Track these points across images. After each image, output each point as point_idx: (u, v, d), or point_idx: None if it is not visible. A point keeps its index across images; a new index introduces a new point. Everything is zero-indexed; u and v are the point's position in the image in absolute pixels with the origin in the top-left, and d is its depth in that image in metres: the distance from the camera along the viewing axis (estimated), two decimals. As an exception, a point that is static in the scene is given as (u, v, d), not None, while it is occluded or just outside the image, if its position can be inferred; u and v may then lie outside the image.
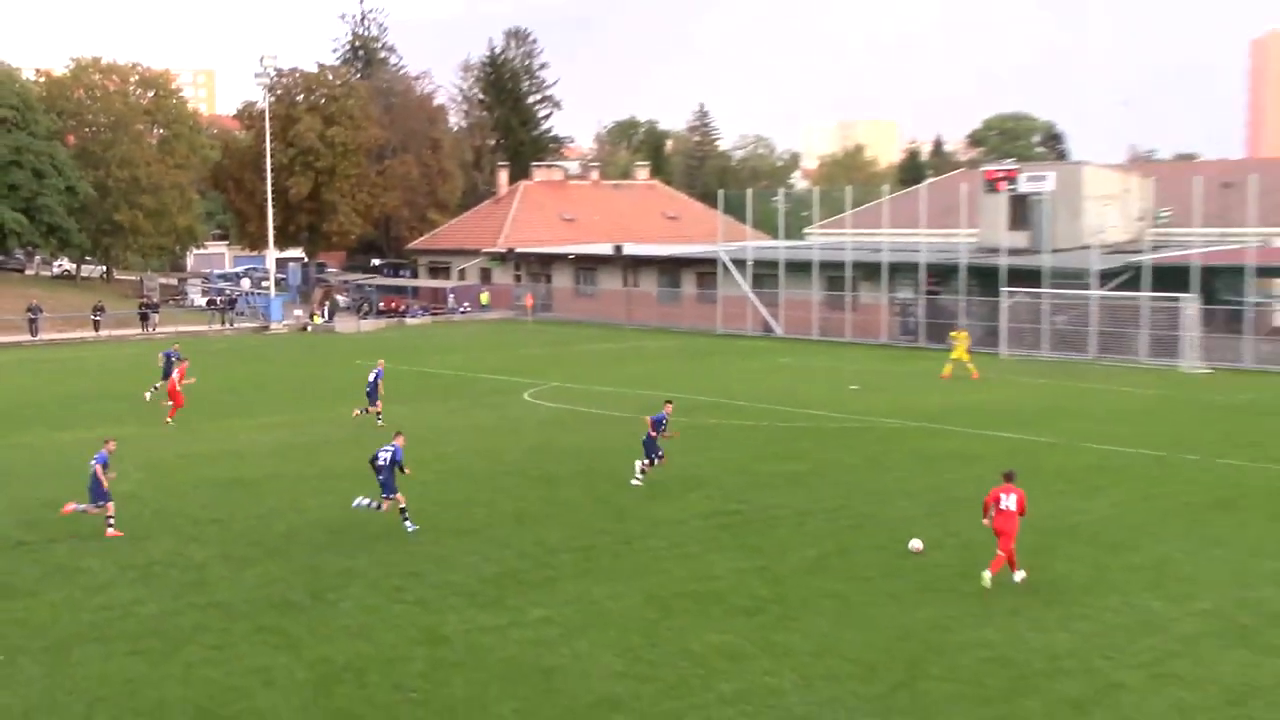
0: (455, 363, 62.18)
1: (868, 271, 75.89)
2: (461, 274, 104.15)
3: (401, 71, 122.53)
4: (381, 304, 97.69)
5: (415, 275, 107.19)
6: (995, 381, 55.06)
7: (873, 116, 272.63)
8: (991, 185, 76.92)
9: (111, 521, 28.50)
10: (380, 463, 28.48)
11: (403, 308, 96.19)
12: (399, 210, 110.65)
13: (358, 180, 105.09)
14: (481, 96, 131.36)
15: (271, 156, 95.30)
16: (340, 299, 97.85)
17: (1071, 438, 40.12)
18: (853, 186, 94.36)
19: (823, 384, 54.20)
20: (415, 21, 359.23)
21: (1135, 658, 20.37)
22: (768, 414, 45.44)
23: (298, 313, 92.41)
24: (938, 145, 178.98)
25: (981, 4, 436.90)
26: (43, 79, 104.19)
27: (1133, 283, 64.40)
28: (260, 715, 18.29)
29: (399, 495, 28.53)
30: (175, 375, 45.81)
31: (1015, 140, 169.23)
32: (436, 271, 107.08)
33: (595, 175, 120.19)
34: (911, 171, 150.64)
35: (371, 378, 44.14)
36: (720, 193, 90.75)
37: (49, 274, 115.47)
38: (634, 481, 33.01)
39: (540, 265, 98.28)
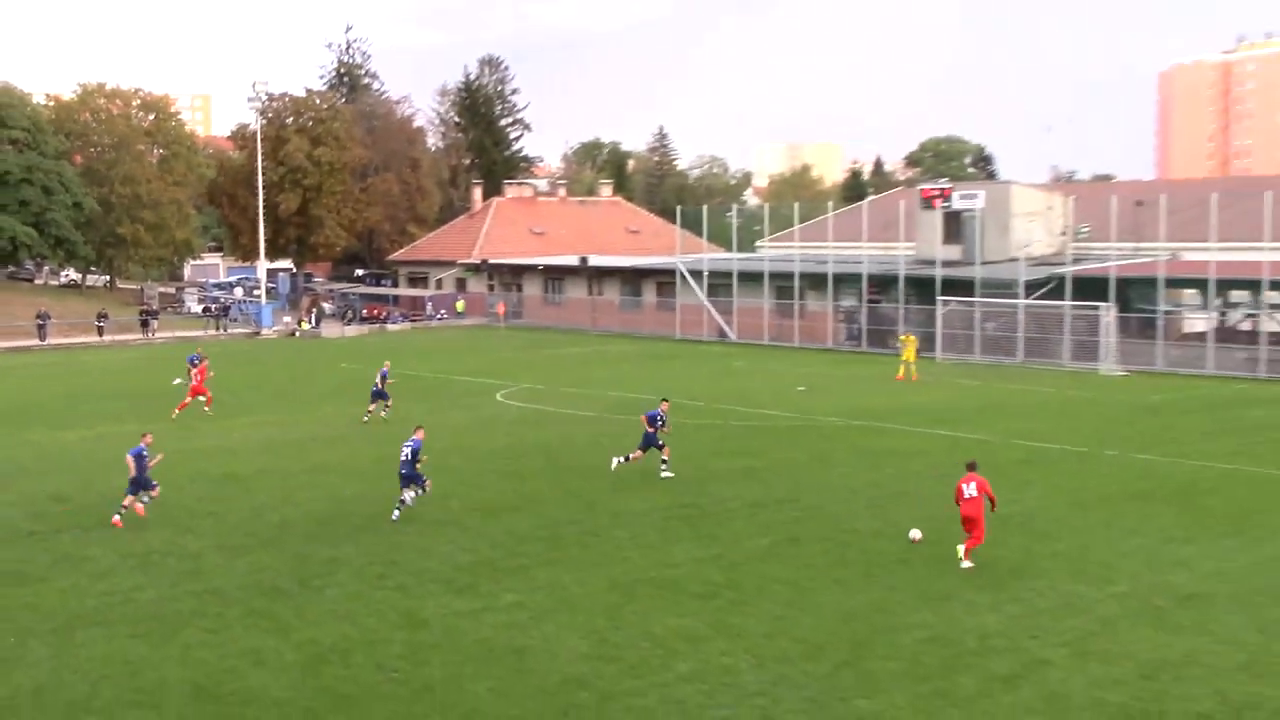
0: (433, 366, 61.94)
1: (814, 281, 75.97)
2: (439, 283, 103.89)
3: (383, 96, 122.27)
4: (364, 311, 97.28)
5: (396, 284, 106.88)
6: (932, 383, 55.21)
7: (818, 139, 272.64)
8: (927, 203, 77.11)
9: (123, 512, 28.33)
10: (403, 456, 28.73)
11: (384, 315, 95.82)
12: (381, 224, 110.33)
13: (343, 196, 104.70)
14: (457, 119, 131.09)
15: (263, 174, 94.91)
16: (326, 306, 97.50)
17: (1002, 435, 40.26)
18: (800, 203, 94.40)
19: (773, 385, 54.20)
20: (396, 50, 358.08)
21: (1060, 637, 20.44)
22: (722, 413, 45.44)
23: (287, 319, 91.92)
24: (878, 166, 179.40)
25: (915, 37, 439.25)
26: (52, 103, 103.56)
27: (1056, 292, 64.69)
28: (252, 693, 18.17)
29: (427, 484, 28.89)
30: (195, 375, 46.25)
31: (949, 161, 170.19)
32: (415, 281, 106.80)
33: (563, 192, 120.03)
34: (854, 190, 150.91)
35: (378, 378, 44.18)
36: (678, 209, 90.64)
37: (56, 283, 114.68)
38: (665, 473, 32.94)
39: (512, 275, 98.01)
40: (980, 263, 69.12)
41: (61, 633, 20.78)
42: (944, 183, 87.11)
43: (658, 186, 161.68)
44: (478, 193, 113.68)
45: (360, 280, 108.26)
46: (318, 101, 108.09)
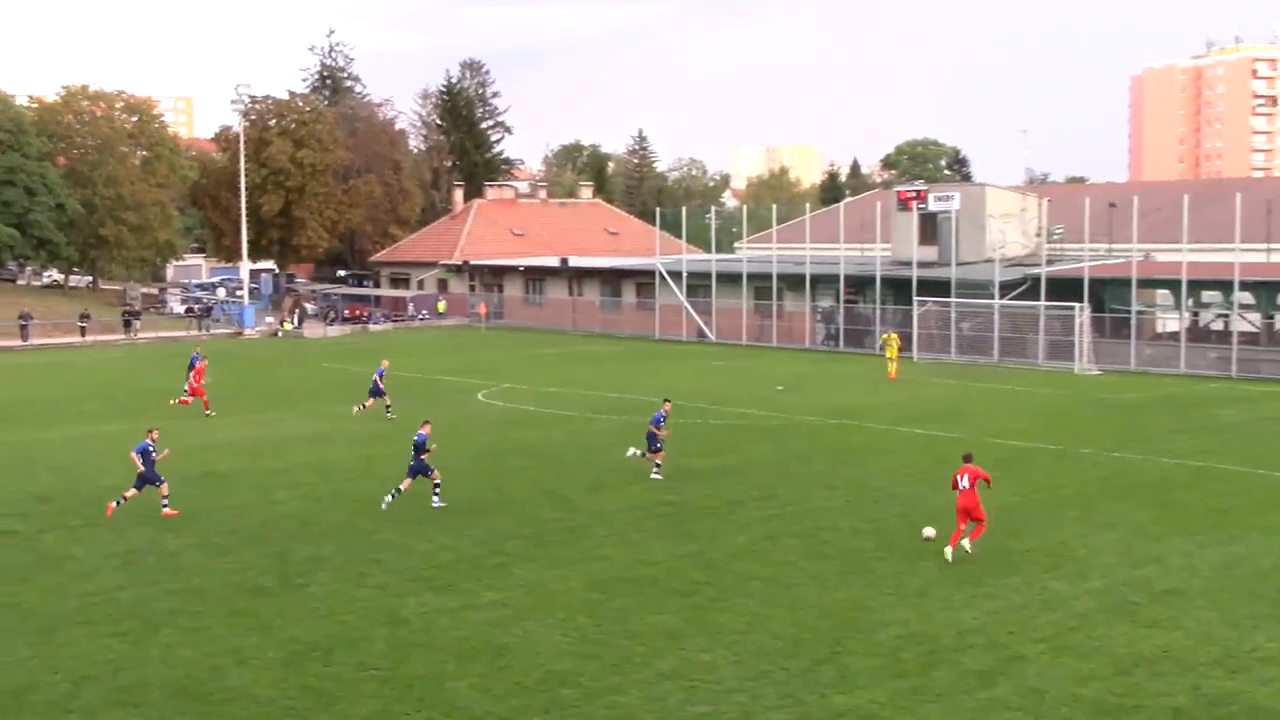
0: (415, 366, 61.73)
1: (792, 282, 76.03)
2: (420, 284, 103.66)
3: (366, 99, 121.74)
4: (347, 312, 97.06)
5: (378, 285, 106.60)
6: (908, 382, 55.27)
7: (796, 142, 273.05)
8: (904, 204, 77.28)
9: (165, 501, 28.50)
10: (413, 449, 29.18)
11: (366, 315, 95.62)
12: (363, 226, 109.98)
13: (325, 198, 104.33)
14: (439, 122, 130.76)
15: (245, 176, 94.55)
16: (309, 307, 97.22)
17: (978, 434, 40.27)
18: (778, 205, 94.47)
19: (752, 385, 54.19)
20: (378, 53, 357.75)
21: (1036, 633, 20.43)
22: (702, 412, 45.38)
23: (269, 320, 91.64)
24: (855, 168, 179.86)
25: (891, 40, 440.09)
26: (35, 105, 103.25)
27: (1030, 293, 64.88)
28: (234, 692, 18.03)
29: (434, 474, 29.22)
30: (193, 374, 46.16)
31: (924, 163, 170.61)
32: (397, 282, 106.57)
33: (543, 194, 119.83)
34: (831, 191, 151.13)
35: (375, 375, 44.28)
36: (657, 210, 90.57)
37: (39, 284, 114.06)
38: (655, 475, 32.78)
39: (493, 276, 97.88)
40: (956, 263, 69.25)
41: (43, 632, 20.60)
42: (920, 185, 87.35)
43: (637, 188, 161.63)
44: (459, 194, 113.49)
45: (342, 281, 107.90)
46: (300, 104, 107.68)
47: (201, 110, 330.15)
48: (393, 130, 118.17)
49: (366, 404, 44.12)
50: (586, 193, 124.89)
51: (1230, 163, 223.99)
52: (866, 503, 30.15)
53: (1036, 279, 64.70)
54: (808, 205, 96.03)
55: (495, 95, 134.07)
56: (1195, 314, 66.34)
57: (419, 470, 29.21)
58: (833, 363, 65.56)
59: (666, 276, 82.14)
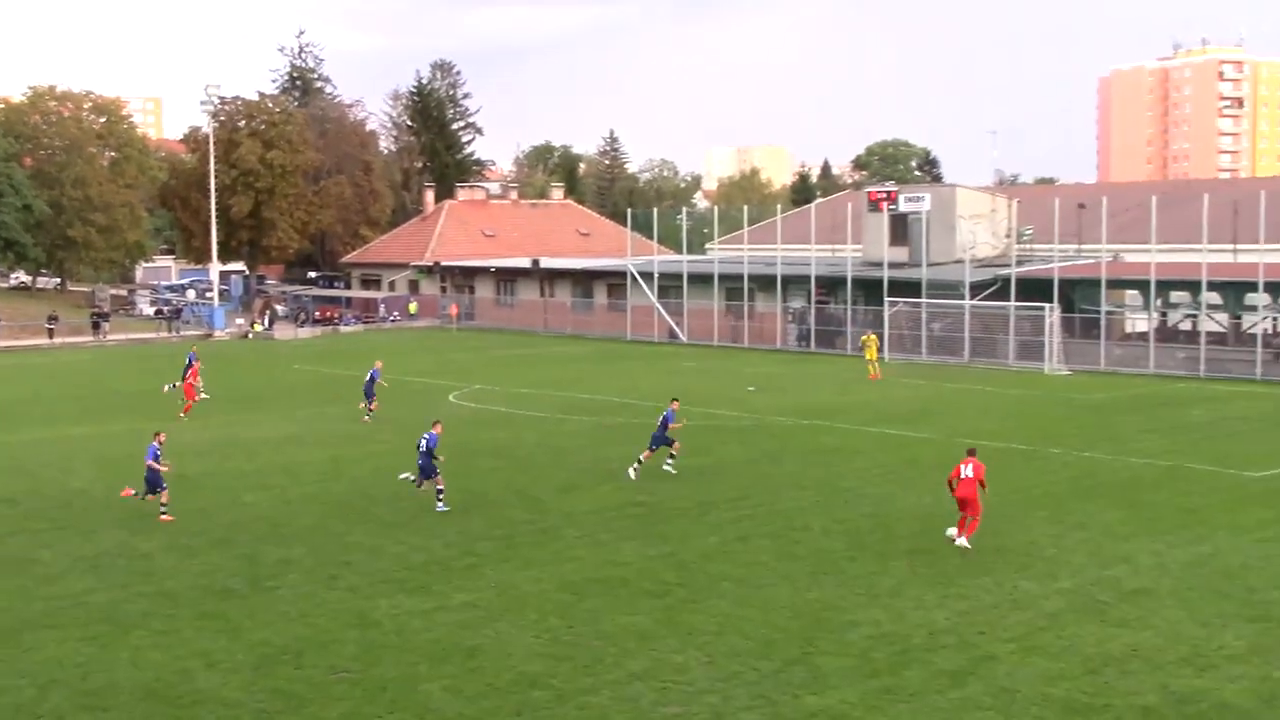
0: (386, 367, 61.24)
1: (764, 283, 76.12)
2: (391, 285, 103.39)
3: (336, 100, 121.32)
4: (318, 313, 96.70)
5: (349, 286, 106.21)
6: (879, 383, 55.37)
7: (767, 142, 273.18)
8: (874, 205, 77.46)
9: (164, 508, 28.24)
10: (421, 449, 29.17)
11: (337, 317, 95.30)
12: (334, 227, 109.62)
13: (295, 199, 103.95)
14: (410, 123, 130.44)
15: (215, 177, 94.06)
16: (279, 308, 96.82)
17: (948, 434, 40.39)
18: (749, 206, 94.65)
19: (723, 386, 54.21)
20: (349, 54, 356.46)
21: (1006, 632, 20.49)
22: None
23: (239, 321, 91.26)
24: (826, 169, 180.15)
25: (861, 42, 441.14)
26: (1, 105, 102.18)
27: (1001, 293, 65.12)
28: (204, 695, 17.93)
29: (438, 478, 29.07)
30: (189, 374, 46.23)
31: (895, 164, 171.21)
32: (368, 283, 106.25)
33: (514, 195, 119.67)
34: (802, 192, 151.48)
35: (368, 378, 44.39)
36: (629, 211, 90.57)
37: (6, 285, 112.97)
38: (667, 468, 33.24)
39: (464, 277, 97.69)
40: (926, 264, 69.48)
41: (8, 635, 20.44)
42: (890, 186, 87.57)
43: (608, 189, 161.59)
44: (430, 195, 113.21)
45: (313, 282, 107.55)
46: (270, 105, 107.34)
47: (170, 111, 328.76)
48: (363, 131, 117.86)
49: (371, 406, 44.15)
50: (558, 194, 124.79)
51: (1197, 164, 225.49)
52: (838, 503, 30.20)
53: (1006, 280, 64.96)
54: (779, 206, 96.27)
55: (466, 96, 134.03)
56: (1164, 314, 66.74)
57: (429, 471, 29.14)
58: (804, 363, 65.66)
59: (638, 277, 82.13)
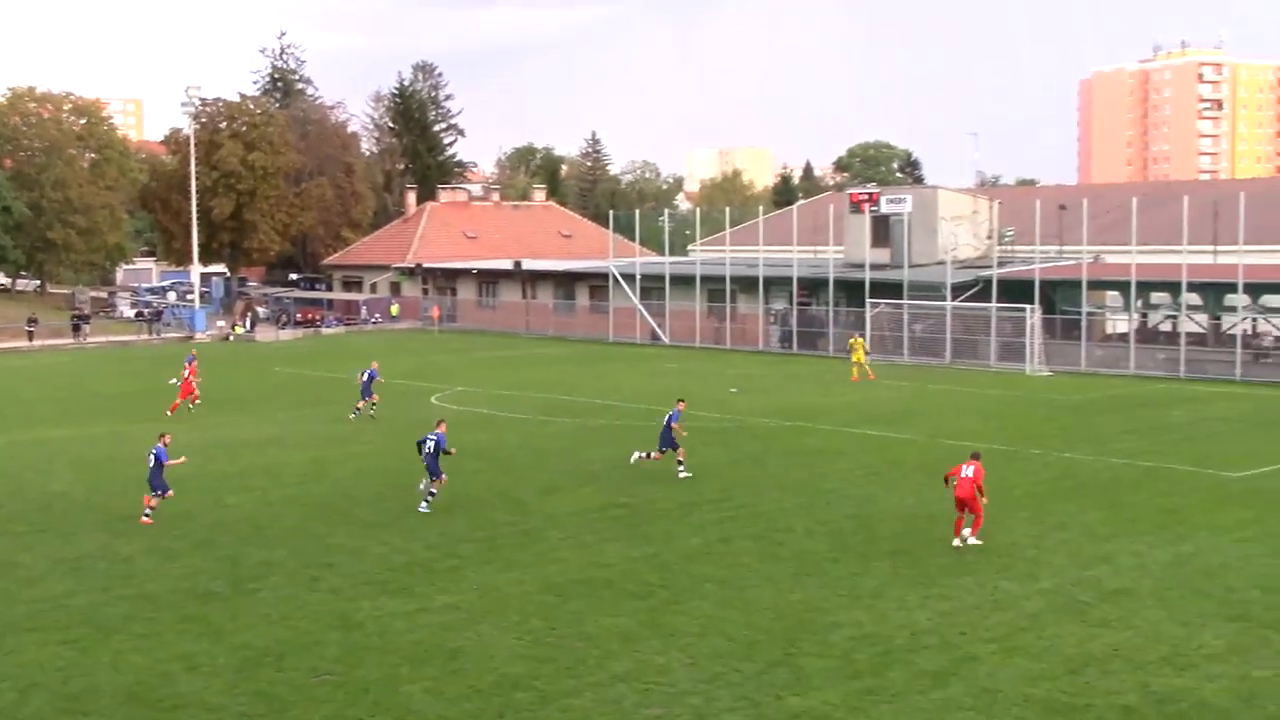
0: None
1: (746, 285, 76.18)
2: (373, 287, 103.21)
3: (317, 101, 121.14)
4: (299, 315, 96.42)
5: (330, 289, 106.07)
6: (861, 384, 55.46)
7: (749, 144, 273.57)
8: (856, 206, 77.63)
9: (148, 512, 28.08)
10: (426, 449, 29.19)
11: (319, 319, 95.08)
12: (315, 229, 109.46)
13: (276, 201, 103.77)
14: (391, 125, 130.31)
15: (196, 179, 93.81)
16: (261, 311, 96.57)
17: (929, 435, 40.49)
18: (731, 207, 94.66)
19: (705, 387, 54.21)
20: (330, 55, 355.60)
21: (988, 633, 20.54)
22: (655, 414, 45.15)
23: (221, 323, 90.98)
24: (808, 170, 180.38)
25: (842, 44, 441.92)
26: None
27: (982, 294, 65.28)
28: (185, 699, 17.87)
29: (443, 477, 29.17)
30: (187, 373, 46.68)
31: (877, 166, 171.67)
32: (350, 285, 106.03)
33: (496, 197, 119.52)
34: (784, 194, 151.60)
35: (364, 378, 44.57)
36: (611, 213, 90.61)
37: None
38: (682, 474, 32.96)
39: (446, 279, 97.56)
40: (908, 266, 69.63)
41: (-10, 639, 20.37)
42: (872, 187, 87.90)
43: (590, 191, 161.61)
44: (412, 197, 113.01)
45: (295, 284, 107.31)
46: (251, 106, 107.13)
47: (151, 112, 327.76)
48: (345, 133, 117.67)
49: (374, 401, 44.33)
50: (540, 195, 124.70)
51: (1177, 165, 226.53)
52: (820, 504, 30.23)
53: (988, 281, 65.14)
54: (761, 208, 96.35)
55: (448, 98, 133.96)
56: (1144, 315, 66.99)
57: (436, 472, 29.15)
58: (786, 364, 65.73)
59: (620, 279, 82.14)
